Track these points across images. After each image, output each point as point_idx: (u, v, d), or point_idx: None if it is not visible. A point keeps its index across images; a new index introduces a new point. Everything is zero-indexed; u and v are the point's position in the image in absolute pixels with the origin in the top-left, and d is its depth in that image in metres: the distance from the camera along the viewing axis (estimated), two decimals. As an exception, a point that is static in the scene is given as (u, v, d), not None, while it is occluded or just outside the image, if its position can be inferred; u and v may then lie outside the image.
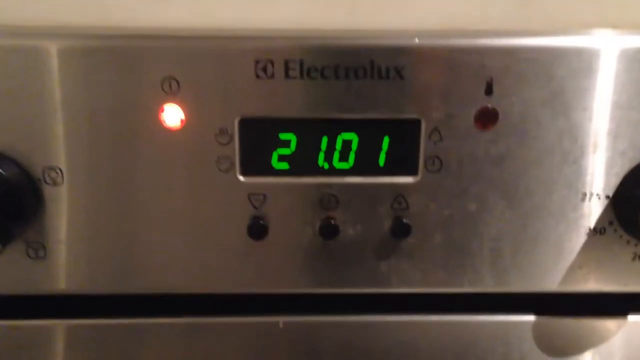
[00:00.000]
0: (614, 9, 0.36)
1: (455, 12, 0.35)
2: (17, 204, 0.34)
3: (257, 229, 0.36)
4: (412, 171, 0.35)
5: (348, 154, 0.35)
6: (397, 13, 0.35)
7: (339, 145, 0.35)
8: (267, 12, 0.35)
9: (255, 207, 0.36)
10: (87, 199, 0.35)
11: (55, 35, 0.33)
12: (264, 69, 0.33)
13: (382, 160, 0.35)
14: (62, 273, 0.36)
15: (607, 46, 0.33)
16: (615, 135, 0.34)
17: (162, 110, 0.34)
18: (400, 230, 0.36)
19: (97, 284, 0.37)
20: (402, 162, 0.35)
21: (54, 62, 0.32)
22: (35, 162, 0.34)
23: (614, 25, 0.35)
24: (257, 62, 0.33)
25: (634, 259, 0.37)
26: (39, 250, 0.36)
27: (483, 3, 0.35)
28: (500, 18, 0.35)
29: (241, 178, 0.35)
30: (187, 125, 0.34)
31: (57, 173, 0.34)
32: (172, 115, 0.34)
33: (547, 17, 0.35)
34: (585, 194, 0.35)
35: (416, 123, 0.34)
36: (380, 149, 0.35)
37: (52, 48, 0.32)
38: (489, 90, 0.34)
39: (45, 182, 0.35)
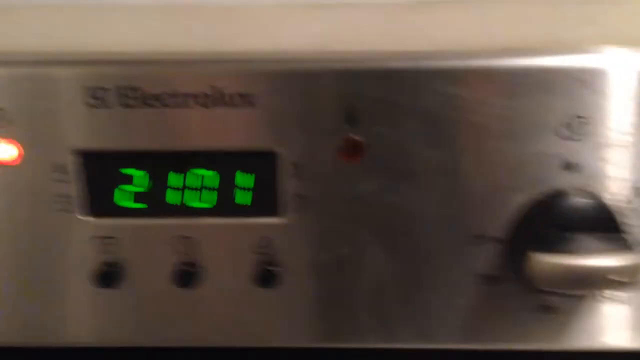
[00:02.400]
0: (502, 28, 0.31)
1: (316, 32, 0.31)
2: None
3: (104, 277, 0.32)
4: (273, 211, 0.31)
5: (202, 191, 0.31)
6: (250, 31, 0.31)
7: (190, 181, 0.31)
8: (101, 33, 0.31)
9: (102, 253, 0.32)
10: None
11: None
12: (96, 97, 0.30)
13: (239, 198, 0.31)
14: None
15: (485, 66, 0.29)
16: (502, 170, 0.30)
17: (-8, 144, 0.30)
18: (265, 278, 0.32)
19: None
20: (261, 200, 0.31)
21: None
22: None
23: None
24: (88, 89, 0.30)
25: (540, 310, 0.32)
26: None
27: (346, 21, 0.31)
28: (368, 38, 0.31)
29: (82, 218, 0.31)
30: (22, 160, 0.31)
31: None
32: (3, 150, 0.30)
33: (419, 35, 0.31)
34: (471, 236, 0.31)
35: (272, 156, 0.30)
36: (236, 185, 0.31)
37: None
38: (351, 119, 0.30)
39: None
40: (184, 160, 0.31)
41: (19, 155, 0.30)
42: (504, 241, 0.31)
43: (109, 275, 0.32)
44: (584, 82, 0.29)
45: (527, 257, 0.29)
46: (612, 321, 0.32)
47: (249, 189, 0.31)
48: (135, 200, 0.31)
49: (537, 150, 0.30)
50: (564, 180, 0.30)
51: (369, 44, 0.31)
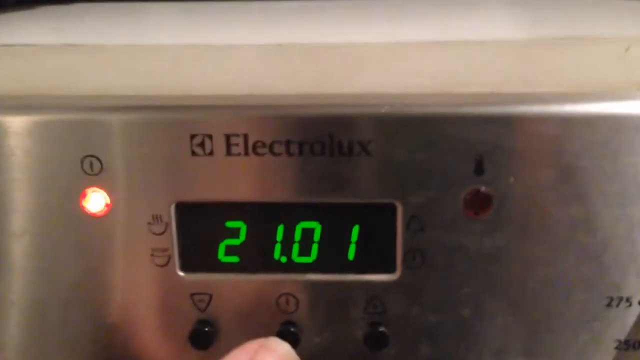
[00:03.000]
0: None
1: (436, 72, 0.28)
2: None
3: (202, 337, 0.29)
4: (389, 267, 0.28)
5: (310, 245, 0.29)
6: (362, 72, 0.28)
7: (298, 235, 0.29)
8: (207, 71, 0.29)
9: (199, 310, 0.29)
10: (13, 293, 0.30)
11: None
12: (201, 145, 0.27)
13: (351, 254, 0.29)
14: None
15: (629, 115, 0.26)
16: (647, 224, 0.27)
17: (85, 195, 0.28)
18: (376, 339, 0.29)
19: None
20: (376, 256, 0.28)
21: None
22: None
23: (643, 85, 0.28)
24: (192, 136, 0.27)
25: (681, 381, 0.28)
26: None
27: (470, 60, 0.28)
28: (495, 79, 0.28)
29: (181, 274, 0.29)
30: (112, 211, 0.28)
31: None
32: (95, 200, 0.28)
33: (553, 78, 0.28)
34: (611, 299, 0.28)
35: (390, 209, 0.28)
36: (348, 240, 0.29)
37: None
38: (479, 170, 0.27)
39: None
40: (292, 213, 0.28)
41: (110, 205, 0.28)
42: (650, 305, 0.27)
43: (205, 336, 0.29)
44: None
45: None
46: None
47: (363, 243, 0.28)
48: (238, 255, 0.29)
49: (689, 204, 0.26)
50: None
51: (496, 85, 0.28)
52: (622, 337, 0.28)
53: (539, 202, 0.27)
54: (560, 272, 0.28)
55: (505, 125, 0.27)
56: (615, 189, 0.27)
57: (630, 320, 0.28)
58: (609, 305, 0.28)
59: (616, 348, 0.28)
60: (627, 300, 0.28)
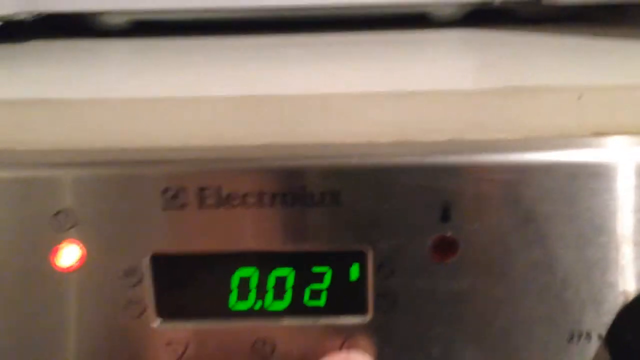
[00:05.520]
0: (596, 111, 0.30)
1: (400, 121, 0.29)
2: None
3: (179, 385, 0.30)
4: (361, 310, 0.29)
5: (283, 291, 0.29)
6: (330, 122, 0.29)
7: (271, 282, 0.29)
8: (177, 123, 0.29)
9: (176, 358, 0.30)
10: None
11: None
12: (175, 198, 0.28)
13: (323, 299, 0.29)
14: None
15: (584, 162, 0.28)
16: (604, 265, 0.28)
17: (57, 250, 0.28)
18: (350, 381, 0.30)
19: None
20: (348, 300, 0.29)
21: None
22: None
23: (598, 131, 0.30)
24: (165, 190, 0.28)
25: (638, 409, 0.30)
26: None
27: (431, 109, 0.29)
28: (455, 126, 0.29)
29: (156, 324, 0.29)
30: (86, 264, 0.28)
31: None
32: (69, 254, 0.28)
33: (511, 125, 0.29)
34: (572, 334, 0.29)
35: (361, 256, 0.29)
36: (321, 285, 0.29)
37: None
38: (445, 217, 0.28)
39: None
40: (266, 261, 0.29)
41: (83, 257, 0.28)
42: (610, 339, 0.29)
43: (182, 383, 0.30)
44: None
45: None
46: None
47: (335, 288, 0.29)
48: (212, 303, 0.29)
49: (641, 244, 0.28)
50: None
51: (456, 132, 0.29)
52: (583, 370, 0.30)
53: (502, 246, 0.28)
54: (524, 310, 0.29)
55: (468, 173, 0.28)
56: (573, 232, 0.28)
57: (590, 353, 0.29)
58: (570, 340, 0.29)
59: (578, 381, 0.30)
60: (587, 334, 0.29)
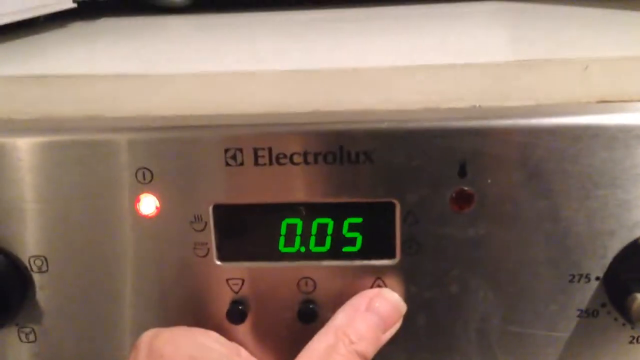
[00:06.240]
0: (601, 81, 0.34)
1: (427, 91, 0.34)
2: (5, 293, 0.35)
3: (236, 314, 0.35)
4: (390, 254, 0.34)
5: (324, 238, 0.35)
6: (365, 92, 0.34)
7: (314, 229, 0.35)
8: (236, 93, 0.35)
9: (234, 292, 0.35)
10: (71, 285, 0.36)
11: (27, 129, 0.34)
12: (234, 157, 0.33)
13: (358, 244, 0.35)
14: (51, 356, 0.37)
15: (587, 125, 0.32)
16: (601, 215, 0.33)
17: (139, 200, 0.34)
18: (381, 313, 0.35)
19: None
20: (379, 245, 0.34)
21: (27, 157, 0.34)
22: (21, 251, 0.35)
23: (602, 99, 0.34)
24: (226, 150, 0.33)
25: (631, 342, 0.35)
26: (30, 334, 0.37)
27: (455, 80, 0.34)
28: (476, 95, 0.34)
29: (218, 263, 0.35)
30: (162, 212, 0.34)
31: (42, 261, 0.35)
32: (148, 204, 0.34)
33: (525, 93, 0.34)
34: (573, 276, 0.34)
35: (390, 206, 0.34)
36: (356, 232, 0.35)
37: (23, 143, 0.34)
38: (462, 173, 0.33)
39: (32, 270, 0.36)
40: (309, 211, 0.34)
41: (159, 207, 0.34)
42: (606, 280, 0.33)
43: (239, 313, 0.35)
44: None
45: (632, 297, 0.31)
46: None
47: (368, 235, 0.34)
48: (265, 246, 0.35)
49: (636, 196, 0.32)
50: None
51: (477, 100, 0.34)
52: (583, 307, 0.34)
53: (512, 198, 0.33)
54: (531, 254, 0.34)
55: (484, 135, 0.32)
56: (575, 186, 0.33)
57: (589, 293, 0.34)
58: (571, 281, 0.34)
59: (578, 316, 0.34)
60: (586, 276, 0.34)
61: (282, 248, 0.35)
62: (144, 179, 0.34)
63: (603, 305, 0.34)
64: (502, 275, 0.34)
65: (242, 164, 0.33)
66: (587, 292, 0.34)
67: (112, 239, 0.35)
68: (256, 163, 0.33)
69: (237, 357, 0.33)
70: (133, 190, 0.34)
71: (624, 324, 0.34)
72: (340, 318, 0.33)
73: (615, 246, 0.33)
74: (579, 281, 0.34)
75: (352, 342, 0.31)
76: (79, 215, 0.35)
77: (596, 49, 0.37)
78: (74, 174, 0.34)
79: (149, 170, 0.34)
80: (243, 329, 0.36)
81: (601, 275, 0.34)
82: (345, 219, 0.34)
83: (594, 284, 0.34)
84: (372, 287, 0.35)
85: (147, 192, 0.34)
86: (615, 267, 0.33)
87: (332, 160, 0.33)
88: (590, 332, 0.35)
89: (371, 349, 0.32)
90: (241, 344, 0.36)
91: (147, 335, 0.32)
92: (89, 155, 0.34)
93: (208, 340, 0.33)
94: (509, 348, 0.35)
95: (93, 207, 0.35)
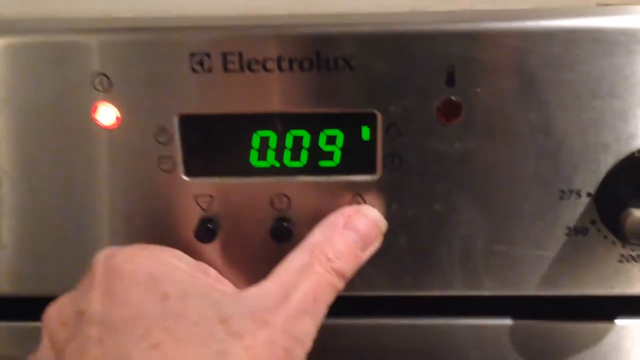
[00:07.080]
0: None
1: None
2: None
3: (205, 232, 0.33)
4: (370, 169, 0.32)
5: (300, 151, 0.32)
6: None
7: (289, 142, 0.32)
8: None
9: (202, 209, 0.33)
10: (29, 200, 0.33)
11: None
12: (200, 63, 0.30)
13: (337, 158, 0.32)
14: (4, 275, 0.35)
15: (586, 28, 0.29)
16: (596, 127, 0.31)
17: (96, 109, 0.31)
18: (360, 232, 0.33)
19: (39, 286, 0.35)
20: (359, 159, 0.32)
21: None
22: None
23: (602, 1, 0.31)
24: (192, 55, 0.30)
25: (620, 260, 0.33)
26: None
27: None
28: (466, -2, 0.31)
29: (185, 178, 0.33)
30: (122, 123, 0.31)
31: (-4, 174, 0.33)
32: (106, 114, 0.31)
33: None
34: (563, 192, 0.32)
35: (372, 117, 0.31)
36: (334, 146, 0.32)
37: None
38: (450, 81, 0.30)
39: (-10, 178, 0.33)
40: (283, 122, 0.31)
41: (119, 118, 0.31)
42: (598, 196, 0.31)
43: (208, 231, 0.33)
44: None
45: (626, 212, 0.30)
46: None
47: (348, 149, 0.32)
48: (236, 160, 0.32)
49: (633, 106, 0.30)
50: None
51: (467, 4, 0.31)
52: (572, 225, 0.33)
53: (502, 109, 0.31)
54: (520, 170, 0.32)
55: (473, 40, 0.30)
56: (570, 96, 0.30)
57: (579, 210, 0.32)
58: (561, 197, 0.32)
59: (566, 234, 0.33)
60: (577, 192, 0.32)
61: (254, 162, 0.32)
62: (102, 86, 0.31)
63: (593, 222, 0.32)
64: (489, 192, 0.32)
65: (209, 70, 0.30)
66: (577, 209, 0.32)
67: (76, 152, 0.32)
68: (225, 69, 0.30)
69: (204, 276, 0.31)
70: (90, 99, 0.31)
71: (613, 242, 0.33)
72: (317, 236, 0.31)
73: (609, 160, 0.31)
74: (569, 198, 0.32)
75: (329, 260, 0.29)
76: (37, 123, 0.32)
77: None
78: (30, 79, 0.31)
79: (106, 76, 0.31)
80: (213, 248, 0.34)
81: (592, 191, 0.32)
82: (323, 130, 0.32)
83: (585, 200, 0.32)
84: (350, 204, 0.33)
85: (105, 100, 0.31)
86: (609, 182, 0.31)
87: (309, 66, 0.30)
88: (579, 251, 0.33)
89: (350, 268, 0.30)
90: (211, 264, 0.34)
91: (103, 254, 0.29)
92: (43, 60, 0.31)
93: (172, 259, 0.30)
94: (494, 270, 0.34)
95: (52, 115, 0.32)
